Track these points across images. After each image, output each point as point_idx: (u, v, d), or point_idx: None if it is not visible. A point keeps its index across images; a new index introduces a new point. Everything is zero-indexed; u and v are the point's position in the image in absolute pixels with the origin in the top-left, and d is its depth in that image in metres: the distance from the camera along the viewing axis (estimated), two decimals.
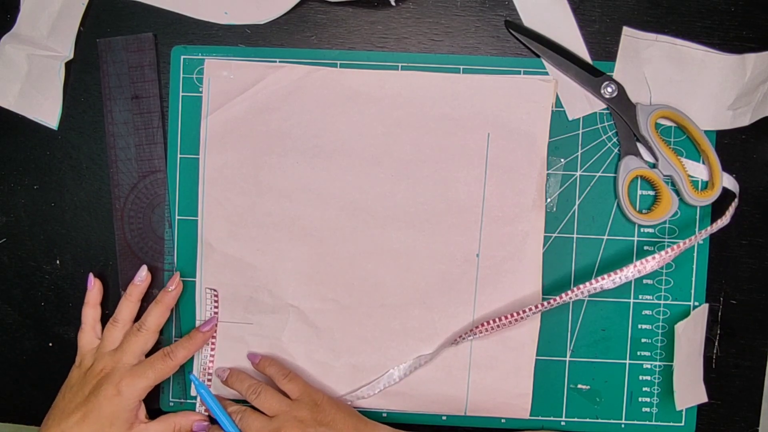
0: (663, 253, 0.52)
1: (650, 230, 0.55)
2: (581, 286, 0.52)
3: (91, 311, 0.55)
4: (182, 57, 0.55)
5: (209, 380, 0.56)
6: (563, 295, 0.53)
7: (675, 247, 0.52)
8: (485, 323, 0.54)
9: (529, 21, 0.55)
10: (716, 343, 0.56)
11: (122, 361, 0.52)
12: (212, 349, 0.56)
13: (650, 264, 0.52)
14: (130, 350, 0.52)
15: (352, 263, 0.56)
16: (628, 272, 0.52)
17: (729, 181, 0.55)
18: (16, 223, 0.57)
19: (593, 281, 0.52)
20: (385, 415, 0.57)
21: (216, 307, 0.56)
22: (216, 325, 0.55)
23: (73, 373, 0.54)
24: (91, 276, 0.55)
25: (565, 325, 0.56)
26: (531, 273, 0.55)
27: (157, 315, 0.54)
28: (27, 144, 0.57)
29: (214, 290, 0.56)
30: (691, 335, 0.55)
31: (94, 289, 0.55)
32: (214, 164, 0.56)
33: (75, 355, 0.56)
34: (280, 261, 0.56)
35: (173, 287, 0.54)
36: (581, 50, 0.55)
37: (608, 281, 0.52)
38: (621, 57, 0.54)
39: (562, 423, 0.56)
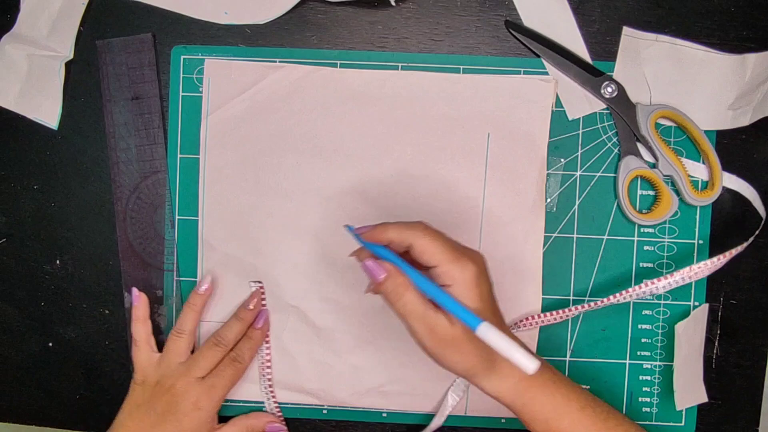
0: (715, 259, 0.52)
1: (650, 230, 0.55)
2: (630, 289, 0.52)
3: (142, 327, 0.54)
4: (182, 57, 0.55)
5: (269, 372, 0.56)
6: (611, 297, 0.53)
7: (727, 253, 0.52)
8: (529, 318, 0.54)
9: (529, 21, 0.55)
10: (716, 343, 0.56)
11: (191, 373, 0.51)
12: (267, 342, 0.56)
13: (702, 270, 0.52)
14: (194, 360, 0.52)
15: (352, 263, 0.55)
16: (678, 277, 0.52)
17: (734, 182, 0.55)
18: (17, 223, 0.57)
19: (642, 285, 0.52)
20: (385, 415, 0.57)
21: (264, 299, 0.56)
22: (268, 318, 0.55)
23: (135, 391, 0.53)
24: (135, 291, 0.55)
25: (565, 325, 0.56)
26: (531, 273, 0.55)
27: (191, 318, 0.54)
28: (27, 144, 0.57)
29: (260, 283, 0.56)
30: (691, 335, 0.55)
31: (141, 303, 0.54)
32: (215, 164, 0.56)
33: (75, 355, 0.57)
34: (280, 261, 0.56)
35: (202, 290, 0.54)
36: (581, 50, 0.55)
37: (658, 285, 0.52)
38: (621, 57, 0.54)
39: None
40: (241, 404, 0.57)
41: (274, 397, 0.56)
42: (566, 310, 0.54)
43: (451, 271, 0.42)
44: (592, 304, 0.53)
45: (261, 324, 0.55)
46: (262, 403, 0.57)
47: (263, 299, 0.56)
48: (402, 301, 0.43)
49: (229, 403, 0.56)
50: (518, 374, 0.44)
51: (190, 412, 0.50)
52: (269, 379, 0.56)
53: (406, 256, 0.44)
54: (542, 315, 0.54)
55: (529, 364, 0.39)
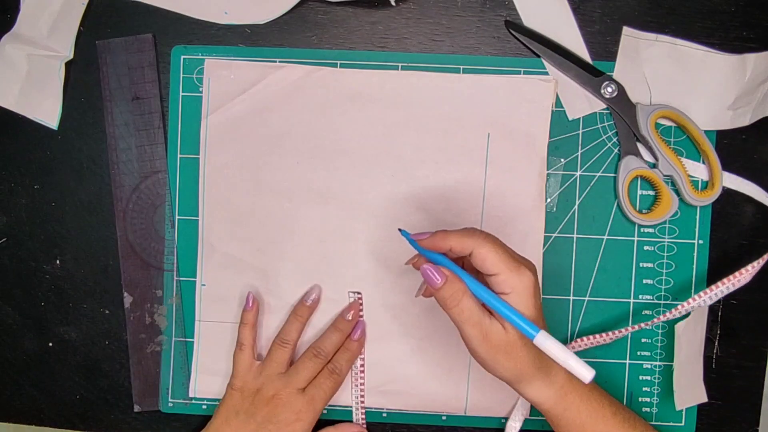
0: (755, 263, 0.51)
1: (650, 230, 0.56)
2: (680, 306, 0.52)
3: (249, 331, 0.54)
4: (182, 57, 0.55)
5: (362, 384, 0.56)
6: (664, 315, 0.53)
7: (766, 255, 0.51)
8: (579, 340, 0.54)
9: (529, 21, 0.55)
10: (716, 343, 0.56)
11: (292, 384, 0.52)
12: (362, 353, 0.56)
13: (744, 276, 0.51)
14: (295, 371, 0.53)
15: (352, 263, 0.56)
16: (723, 288, 0.51)
17: (734, 182, 0.55)
18: (16, 223, 0.57)
19: (691, 300, 0.52)
20: (385, 414, 0.57)
21: (362, 310, 0.56)
22: (365, 329, 0.55)
23: (233, 396, 0.53)
24: (250, 295, 0.55)
25: (565, 325, 0.56)
26: None
27: (296, 329, 0.54)
28: (27, 144, 0.57)
29: (359, 293, 0.56)
30: (691, 335, 0.55)
31: (254, 308, 0.54)
32: (215, 164, 0.56)
33: (75, 355, 0.57)
34: (280, 261, 0.56)
35: (310, 301, 0.55)
36: (581, 50, 0.55)
37: (705, 299, 0.52)
38: (621, 57, 0.54)
39: None
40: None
41: (363, 405, 0.56)
42: (620, 331, 0.53)
43: (510, 280, 0.42)
44: (642, 324, 0.53)
45: (358, 335, 0.55)
46: (349, 408, 0.56)
47: (361, 310, 0.56)
48: (459, 307, 0.43)
49: None
50: (560, 381, 0.45)
51: (292, 422, 0.51)
52: (362, 391, 0.56)
53: (460, 263, 0.45)
54: (594, 336, 0.54)
55: (586, 373, 0.41)
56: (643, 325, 0.53)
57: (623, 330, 0.53)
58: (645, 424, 0.48)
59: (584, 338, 0.54)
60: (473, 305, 0.43)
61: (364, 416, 0.56)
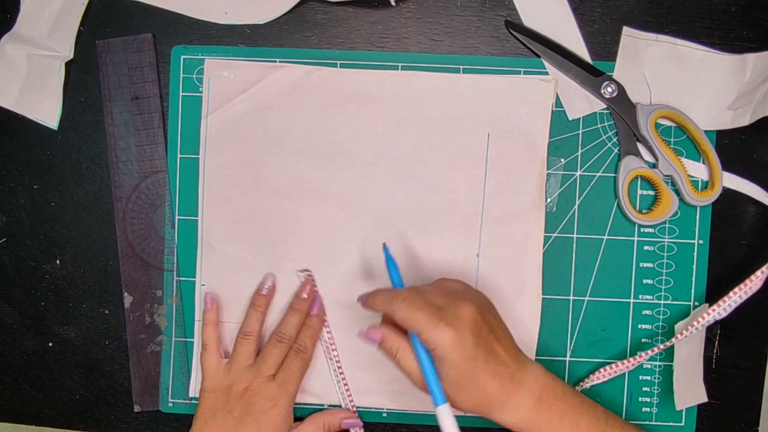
0: (765, 268, 0.51)
1: (650, 230, 0.56)
2: (695, 323, 0.52)
3: (212, 331, 0.54)
4: (182, 57, 0.55)
5: (336, 355, 0.56)
6: (681, 333, 0.53)
7: None
8: (603, 369, 0.54)
9: (529, 21, 0.55)
10: (716, 343, 0.56)
11: (261, 374, 0.52)
12: (327, 326, 0.56)
13: (755, 282, 0.51)
14: (263, 360, 0.53)
15: (352, 263, 0.56)
16: (736, 297, 0.51)
17: (734, 182, 0.55)
18: (16, 222, 0.57)
19: (706, 315, 0.52)
20: (385, 414, 0.57)
21: (315, 286, 0.55)
22: (322, 303, 0.55)
23: (207, 398, 0.52)
24: (208, 296, 0.55)
25: (565, 325, 0.56)
26: (531, 273, 0.55)
27: (256, 319, 0.54)
28: (27, 144, 0.57)
29: (308, 271, 0.56)
30: (690, 335, 0.55)
31: (213, 307, 0.55)
32: (214, 164, 0.56)
33: (75, 355, 0.57)
34: (280, 261, 0.56)
35: (266, 290, 0.55)
36: (581, 50, 0.55)
37: (720, 311, 0.52)
38: (621, 57, 0.54)
39: None
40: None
41: (344, 379, 0.56)
42: (640, 355, 0.53)
43: (430, 338, 0.44)
44: (661, 346, 0.53)
45: (316, 310, 0.55)
46: (338, 407, 0.56)
47: (315, 285, 0.56)
48: (395, 359, 0.47)
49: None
50: (526, 407, 0.46)
51: (268, 410, 0.51)
52: (338, 361, 0.56)
53: None
54: (617, 364, 0.54)
55: None
56: (662, 346, 0.53)
57: (648, 352, 0.53)
58: None
59: (606, 368, 0.54)
60: (408, 356, 0.47)
61: (348, 389, 0.56)
